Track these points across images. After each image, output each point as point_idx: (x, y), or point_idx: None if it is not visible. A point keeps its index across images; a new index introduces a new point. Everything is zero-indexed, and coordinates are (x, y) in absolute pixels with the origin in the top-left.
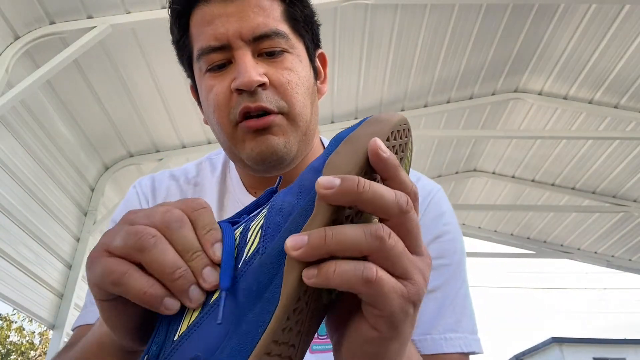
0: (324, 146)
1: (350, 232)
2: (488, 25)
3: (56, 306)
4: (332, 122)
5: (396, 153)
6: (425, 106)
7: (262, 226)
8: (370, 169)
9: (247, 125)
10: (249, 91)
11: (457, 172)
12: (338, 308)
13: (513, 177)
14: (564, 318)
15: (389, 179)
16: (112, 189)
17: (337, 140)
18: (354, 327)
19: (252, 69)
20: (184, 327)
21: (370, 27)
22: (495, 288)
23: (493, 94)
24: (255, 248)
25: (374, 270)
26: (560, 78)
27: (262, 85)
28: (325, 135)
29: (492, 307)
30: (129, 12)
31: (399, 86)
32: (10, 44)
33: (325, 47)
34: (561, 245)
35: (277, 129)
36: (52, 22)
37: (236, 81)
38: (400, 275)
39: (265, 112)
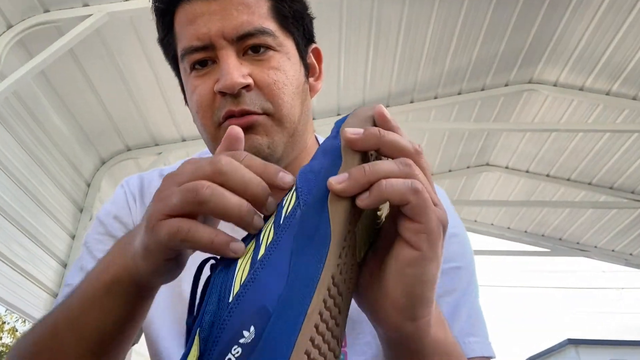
0: (319, 144)
1: (384, 164)
2: (501, 13)
3: (50, 306)
4: (338, 115)
5: None
6: (435, 98)
7: (295, 188)
8: None
9: (229, 123)
10: (232, 94)
11: (468, 167)
12: (369, 268)
13: (527, 171)
14: (580, 319)
15: None
16: (108, 184)
17: (342, 119)
18: (393, 259)
19: (235, 71)
20: (236, 287)
21: (378, 16)
22: (509, 287)
23: (506, 85)
24: (295, 204)
25: (420, 183)
26: (576, 69)
27: (246, 87)
28: (329, 129)
29: (505, 307)
30: (127, 0)
31: (408, 77)
32: (3, 32)
33: (331, 37)
34: (577, 243)
35: (261, 129)
36: (47, 10)
37: (219, 84)
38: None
39: (249, 114)
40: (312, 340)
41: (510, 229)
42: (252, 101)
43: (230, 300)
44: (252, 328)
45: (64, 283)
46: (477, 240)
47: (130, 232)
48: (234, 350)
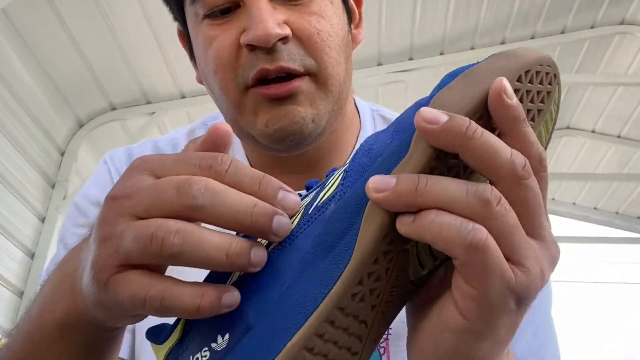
0: (358, 112)
1: (450, 186)
2: None
3: (15, 308)
4: (380, 65)
5: (532, 101)
6: (502, 43)
7: (345, 170)
8: (488, 116)
9: (264, 93)
10: (265, 47)
11: None
12: (426, 289)
13: (618, 137)
14: None
15: (508, 134)
16: (88, 152)
17: (453, 74)
18: (437, 309)
19: (269, 17)
20: (233, 278)
21: None
22: (596, 284)
23: (592, 27)
24: (332, 192)
25: (483, 234)
26: None
27: (284, 38)
28: (367, 83)
29: (591, 307)
30: None
31: (468, 17)
32: None
33: None
34: None
35: (304, 97)
36: None
37: (247, 34)
38: (508, 256)
39: (287, 74)
40: None
41: (598, 209)
42: (290, 56)
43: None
44: (226, 335)
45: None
46: (554, 224)
47: (78, 252)
48: (204, 351)
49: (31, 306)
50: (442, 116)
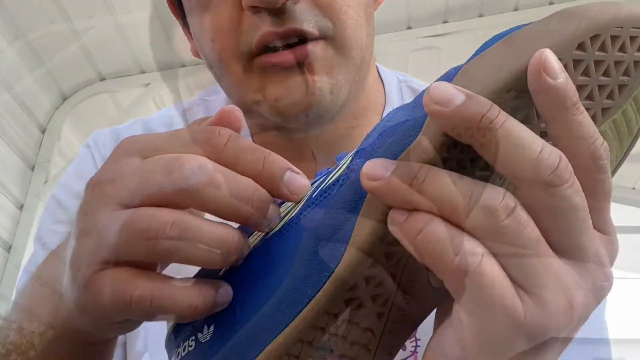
0: (382, 80)
1: (452, 186)
2: None
3: None
4: (409, 28)
5: (606, 74)
6: (550, 3)
7: (357, 150)
8: (529, 96)
9: (271, 62)
10: (273, 9)
11: None
12: (446, 301)
13: None
14: None
15: (551, 123)
16: (72, 129)
17: (497, 38)
18: (439, 330)
19: None
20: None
21: None
22: None
23: None
24: (339, 175)
25: (476, 257)
26: None
27: None
28: (394, 49)
29: None
30: None
31: None
32: None
33: None
34: None
35: (320, 64)
36: None
37: None
38: (518, 281)
39: (299, 38)
40: None
41: None
42: (303, 16)
43: None
44: (212, 327)
45: (15, 293)
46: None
47: (59, 252)
48: (191, 340)
49: (8, 318)
50: (456, 96)
